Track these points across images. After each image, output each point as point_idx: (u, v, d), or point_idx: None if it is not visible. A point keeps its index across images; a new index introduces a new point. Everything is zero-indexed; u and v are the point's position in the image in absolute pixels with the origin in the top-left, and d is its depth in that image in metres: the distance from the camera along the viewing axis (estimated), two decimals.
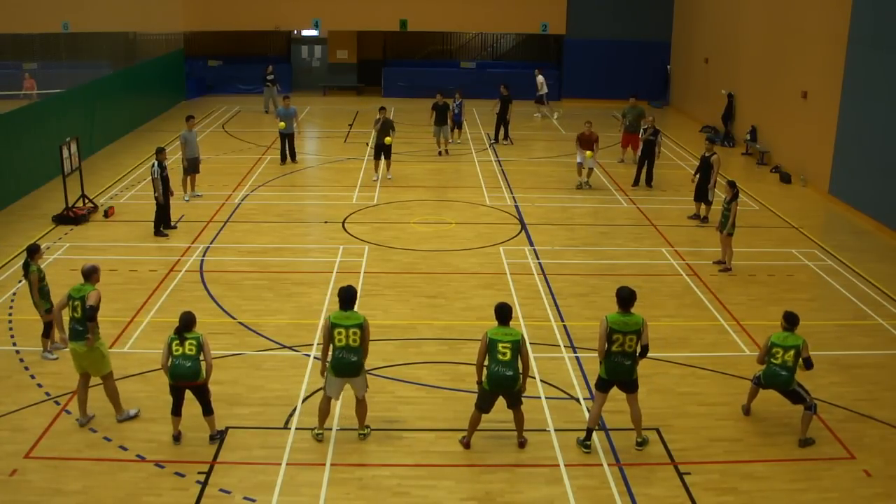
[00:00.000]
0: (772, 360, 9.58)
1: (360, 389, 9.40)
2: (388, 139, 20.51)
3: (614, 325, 9.03)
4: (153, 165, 16.34)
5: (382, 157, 20.92)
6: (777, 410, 10.05)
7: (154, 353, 11.41)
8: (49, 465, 8.94)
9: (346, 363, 9.16)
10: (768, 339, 9.67)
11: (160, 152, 16.56)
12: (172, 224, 16.87)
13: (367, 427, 9.67)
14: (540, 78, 30.13)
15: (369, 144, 24.37)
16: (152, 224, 16.49)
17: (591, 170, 20.68)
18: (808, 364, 9.53)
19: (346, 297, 9.26)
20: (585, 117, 24.13)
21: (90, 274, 9.75)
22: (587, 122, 20.67)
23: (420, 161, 23.38)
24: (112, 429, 9.63)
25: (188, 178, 18.92)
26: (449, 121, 23.97)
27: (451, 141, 25.06)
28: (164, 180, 16.33)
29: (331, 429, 9.70)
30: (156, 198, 16.25)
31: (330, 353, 9.22)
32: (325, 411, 9.46)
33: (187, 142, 18.62)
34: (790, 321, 9.68)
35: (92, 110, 23.18)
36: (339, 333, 9.10)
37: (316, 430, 9.55)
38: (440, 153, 23.93)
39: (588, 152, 20.02)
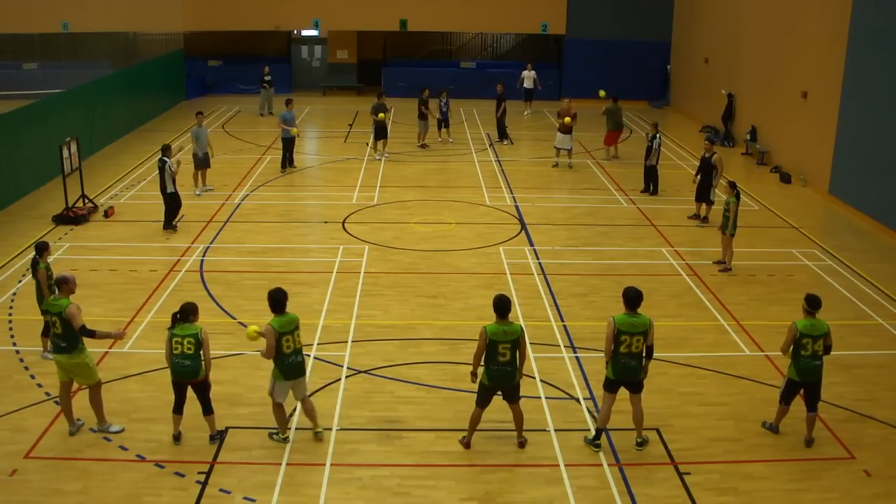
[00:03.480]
0: (802, 352, 9.33)
1: (302, 392, 9.34)
2: (381, 115, 22.73)
3: (621, 325, 9.02)
4: (163, 161, 16.53)
5: (381, 138, 23.28)
6: (777, 410, 10.04)
7: (154, 353, 11.43)
8: (49, 465, 8.94)
9: (295, 364, 9.17)
10: (794, 328, 9.37)
11: (167, 149, 16.79)
12: (173, 223, 16.87)
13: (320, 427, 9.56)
14: (532, 73, 30.51)
15: (369, 141, 24.49)
16: (150, 223, 16.54)
17: (569, 151, 22.39)
18: (829, 350, 9.47)
19: (276, 300, 9.15)
20: (585, 117, 24.21)
21: (60, 284, 9.39)
22: (567, 98, 23.87)
23: (420, 161, 23.38)
24: None
25: (198, 173, 19.15)
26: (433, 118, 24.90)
27: (442, 140, 25.58)
28: (173, 180, 16.60)
29: (330, 428, 9.71)
30: (169, 193, 16.53)
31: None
32: (284, 417, 9.43)
33: (197, 137, 18.78)
34: (814, 304, 9.46)
35: (92, 110, 23.18)
36: (287, 340, 9.06)
37: (281, 436, 9.47)
38: (420, 146, 24.67)
39: (567, 118, 21.84)
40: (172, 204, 16.75)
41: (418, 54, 37.90)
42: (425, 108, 24.28)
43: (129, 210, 18.18)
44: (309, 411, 9.48)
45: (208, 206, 18.37)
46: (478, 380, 9.21)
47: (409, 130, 27.10)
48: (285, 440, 9.45)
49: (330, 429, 9.71)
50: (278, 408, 9.33)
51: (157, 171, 16.81)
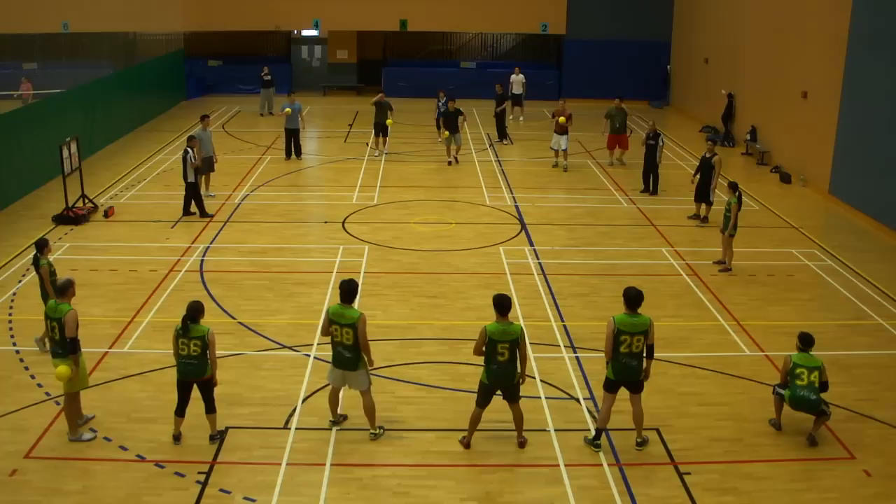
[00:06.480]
0: (797, 381, 9.45)
1: (358, 385, 9.46)
2: (389, 121, 23.06)
3: (622, 325, 9.03)
4: (187, 151, 17.31)
5: (381, 135, 23.52)
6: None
7: (154, 353, 11.45)
8: (49, 465, 8.94)
9: (342, 357, 9.31)
10: (788, 360, 9.61)
11: (192, 139, 17.66)
12: (174, 223, 16.89)
13: (381, 427, 9.66)
14: (520, 77, 29.30)
15: (370, 141, 24.50)
16: (150, 223, 16.56)
17: (565, 151, 22.22)
18: (825, 387, 9.53)
19: (346, 291, 9.29)
20: (586, 117, 24.20)
21: (64, 290, 9.29)
22: (562, 100, 23.31)
23: (420, 161, 23.37)
24: (112, 429, 9.63)
25: (202, 178, 18.96)
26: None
27: (441, 140, 24.01)
28: (195, 169, 17.36)
29: (330, 428, 9.71)
30: (189, 182, 17.36)
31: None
32: (333, 402, 9.70)
33: (201, 141, 18.51)
34: (806, 342, 9.63)
35: (92, 110, 23.19)
36: (335, 330, 9.23)
37: (330, 419, 9.75)
38: (450, 163, 22.86)
39: (561, 118, 21.72)
40: (189, 193, 17.54)
41: (418, 54, 37.88)
42: (462, 118, 22.75)
43: (129, 210, 18.17)
44: (365, 408, 9.56)
45: (208, 206, 18.33)
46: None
47: (410, 130, 27.13)
48: (330, 423, 9.72)
49: (330, 428, 9.72)
50: (331, 392, 9.68)
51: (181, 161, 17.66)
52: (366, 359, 9.38)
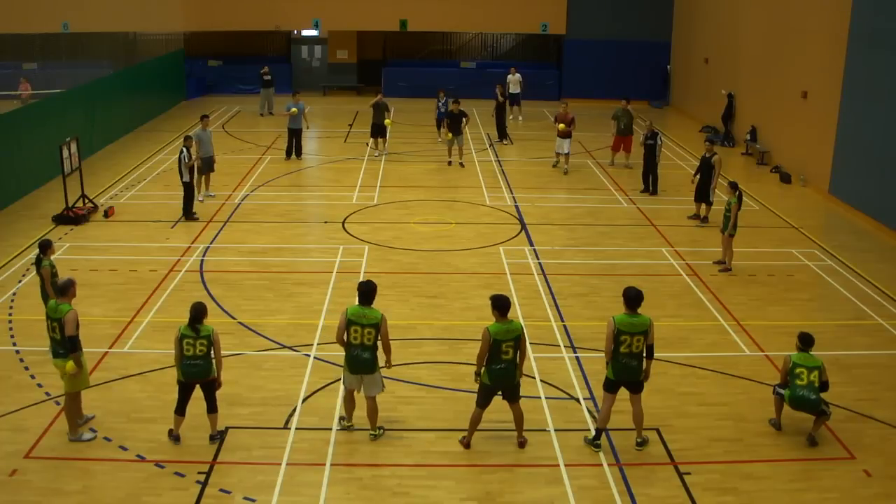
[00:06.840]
0: (797, 381, 9.46)
1: (373, 390, 9.42)
2: (387, 121, 23.07)
3: (622, 325, 9.03)
4: (181, 151, 17.13)
5: (379, 136, 23.45)
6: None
7: (154, 353, 11.45)
8: (49, 465, 8.94)
9: (360, 360, 9.24)
10: (788, 360, 9.63)
11: (188, 139, 17.46)
12: (174, 223, 16.88)
13: (380, 428, 9.66)
14: (517, 76, 28.99)
15: (369, 141, 24.48)
16: (150, 223, 16.54)
17: (567, 155, 22.05)
18: (825, 387, 9.53)
19: (365, 292, 9.28)
20: (586, 117, 24.17)
21: (65, 289, 9.25)
22: (563, 102, 23.32)
23: (420, 161, 23.38)
24: (112, 429, 9.64)
25: (202, 178, 18.91)
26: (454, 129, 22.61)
27: (442, 139, 24.12)
28: (190, 169, 17.16)
29: (330, 429, 9.71)
30: (185, 182, 17.17)
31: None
32: (349, 404, 9.63)
33: (201, 141, 18.43)
34: (806, 342, 9.64)
35: (92, 110, 23.18)
36: (356, 331, 9.17)
37: (347, 423, 9.71)
38: (450, 163, 22.82)
39: (561, 125, 21.53)
40: (187, 193, 17.42)
41: (418, 54, 37.87)
42: (465, 119, 22.44)
43: (129, 210, 18.17)
44: (369, 411, 9.53)
45: (208, 206, 18.36)
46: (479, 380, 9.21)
47: (410, 130, 27.14)
48: (345, 425, 9.67)
49: (330, 429, 9.71)
50: (347, 394, 9.60)
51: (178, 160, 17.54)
52: (385, 359, 9.38)
